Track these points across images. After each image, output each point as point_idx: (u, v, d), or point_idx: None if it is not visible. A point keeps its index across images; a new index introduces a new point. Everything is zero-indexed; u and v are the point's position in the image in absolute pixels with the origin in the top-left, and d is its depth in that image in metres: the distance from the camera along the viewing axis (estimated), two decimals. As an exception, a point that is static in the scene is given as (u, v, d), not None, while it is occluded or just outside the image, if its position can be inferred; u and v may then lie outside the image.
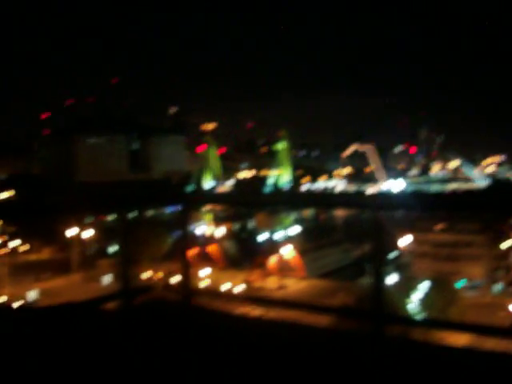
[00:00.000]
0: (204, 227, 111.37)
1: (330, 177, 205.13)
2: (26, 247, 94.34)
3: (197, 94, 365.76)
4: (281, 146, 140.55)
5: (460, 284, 67.18)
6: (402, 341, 5.91)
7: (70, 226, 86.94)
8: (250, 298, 17.08)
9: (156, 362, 5.39)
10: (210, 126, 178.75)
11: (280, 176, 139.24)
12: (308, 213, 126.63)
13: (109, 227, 77.41)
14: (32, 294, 69.15)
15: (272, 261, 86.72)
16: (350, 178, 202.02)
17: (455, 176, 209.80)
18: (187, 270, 6.58)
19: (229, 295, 19.81)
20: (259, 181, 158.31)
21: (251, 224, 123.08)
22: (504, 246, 79.00)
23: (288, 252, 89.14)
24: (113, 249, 79.88)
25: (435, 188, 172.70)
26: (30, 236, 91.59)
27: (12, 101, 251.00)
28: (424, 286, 58.77)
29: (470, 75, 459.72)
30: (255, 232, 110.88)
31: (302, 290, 75.53)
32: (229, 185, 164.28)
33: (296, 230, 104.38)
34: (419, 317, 48.00)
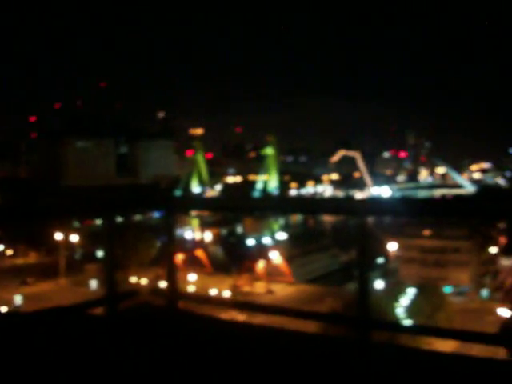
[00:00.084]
0: (192, 232, 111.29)
1: (318, 182, 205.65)
2: (12, 251, 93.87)
3: (185, 99, 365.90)
4: (269, 151, 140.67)
5: (447, 290, 67.42)
6: (388, 347, 5.89)
7: (57, 230, 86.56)
8: (237, 303, 17.03)
9: (142, 366, 5.36)
10: (198, 131, 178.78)
11: (268, 181, 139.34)
12: (296, 218, 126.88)
13: (96, 232, 77.20)
14: (18, 299, 68.70)
15: (260, 266, 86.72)
16: (338, 184, 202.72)
17: (443, 182, 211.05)
18: (173, 275, 6.54)
19: (216, 300, 19.84)
20: (248, 186, 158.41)
21: (239, 229, 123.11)
22: (491, 251, 79.46)
23: (276, 257, 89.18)
24: (100, 253, 79.63)
25: (423, 194, 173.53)
26: (16, 240, 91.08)
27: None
28: (411, 292, 58.93)
29: (457, 84, 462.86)
30: (243, 237, 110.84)
31: (290, 295, 75.55)
32: (217, 189, 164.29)
33: (284, 235, 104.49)
34: (406, 323, 48.03)
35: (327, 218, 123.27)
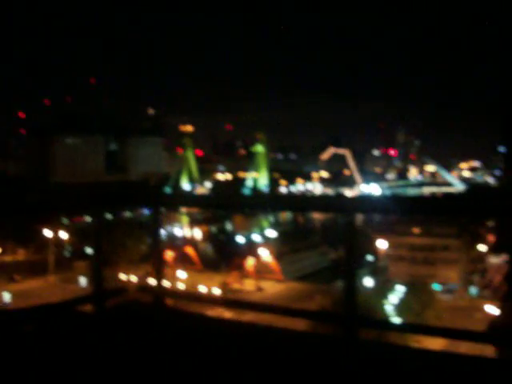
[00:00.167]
0: (182, 229, 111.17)
1: (308, 180, 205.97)
2: (0, 249, 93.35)
3: (176, 96, 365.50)
4: (259, 148, 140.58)
5: (436, 287, 67.63)
6: (376, 344, 5.89)
7: (46, 227, 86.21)
8: (225, 300, 17.02)
9: (129, 363, 5.33)
10: (188, 128, 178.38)
11: (258, 178, 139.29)
12: (285, 216, 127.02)
13: (85, 229, 76.89)
14: (7, 296, 68.38)
15: (249, 263, 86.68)
16: (327, 182, 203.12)
17: (433, 180, 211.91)
18: (161, 272, 6.51)
19: (204, 297, 19.79)
20: (237, 183, 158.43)
21: (229, 226, 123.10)
22: (480, 249, 79.79)
23: (265, 254, 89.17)
24: (90, 250, 79.29)
25: (413, 192, 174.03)
26: (5, 237, 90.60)
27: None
28: (401, 290, 59.06)
29: (447, 82, 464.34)
30: (233, 234, 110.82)
31: (280, 293, 75.62)
32: (207, 187, 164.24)
33: (273, 232, 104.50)
34: (395, 320, 48.14)
35: (317, 216, 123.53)
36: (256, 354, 5.47)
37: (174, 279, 72.62)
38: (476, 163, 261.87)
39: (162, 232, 7.22)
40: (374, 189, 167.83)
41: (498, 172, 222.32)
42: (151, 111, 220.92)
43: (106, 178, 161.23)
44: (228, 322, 7.45)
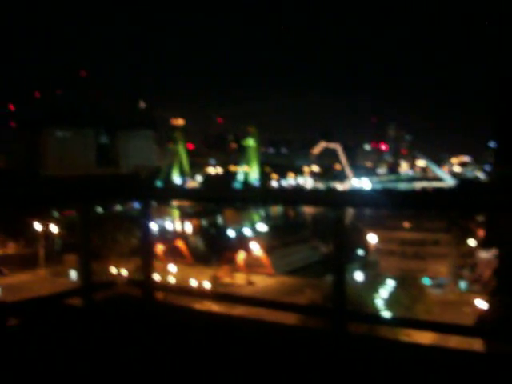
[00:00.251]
0: (172, 222, 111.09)
1: (299, 174, 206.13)
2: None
3: (167, 89, 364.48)
4: (250, 142, 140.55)
5: (426, 281, 67.92)
6: (366, 338, 5.89)
7: (36, 220, 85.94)
8: (215, 294, 17.00)
9: (116, 356, 5.31)
10: (179, 121, 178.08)
11: (249, 172, 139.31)
12: (276, 210, 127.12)
13: (76, 222, 76.70)
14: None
15: (240, 257, 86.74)
16: (319, 176, 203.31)
17: (424, 175, 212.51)
18: (150, 266, 6.49)
19: (193, 291, 19.76)
20: (229, 177, 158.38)
21: (220, 220, 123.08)
22: (470, 244, 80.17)
23: (256, 248, 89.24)
24: (78, 243, 78.96)
25: (404, 186, 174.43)
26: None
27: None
28: (391, 284, 59.28)
29: (438, 78, 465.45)
30: (224, 228, 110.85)
31: (270, 287, 75.67)
32: (198, 180, 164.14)
33: (264, 226, 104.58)
34: (385, 314, 48.34)
35: (307, 210, 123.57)
36: (246, 348, 5.46)
37: (164, 273, 72.53)
38: (466, 158, 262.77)
39: (153, 225, 7.19)
40: (364, 183, 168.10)
41: (488, 167, 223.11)
42: (142, 104, 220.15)
43: (97, 171, 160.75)
44: (218, 315, 7.43)
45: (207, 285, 72.96)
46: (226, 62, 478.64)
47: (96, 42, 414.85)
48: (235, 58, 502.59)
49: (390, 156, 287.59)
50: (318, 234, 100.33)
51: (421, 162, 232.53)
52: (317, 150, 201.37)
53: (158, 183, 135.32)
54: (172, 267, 77.66)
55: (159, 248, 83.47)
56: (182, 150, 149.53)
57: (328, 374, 4.87)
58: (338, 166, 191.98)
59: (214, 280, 76.10)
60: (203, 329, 6.01)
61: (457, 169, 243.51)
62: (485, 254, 76.94)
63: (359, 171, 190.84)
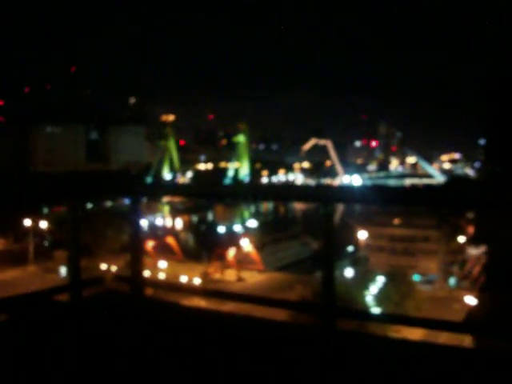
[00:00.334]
0: (162, 218, 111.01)
1: (289, 170, 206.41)
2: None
3: (158, 85, 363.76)
4: (240, 138, 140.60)
5: (416, 278, 68.17)
6: (355, 334, 5.89)
7: (25, 216, 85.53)
8: (205, 290, 17.01)
9: (104, 352, 5.29)
10: (170, 117, 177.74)
11: (239, 168, 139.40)
12: (267, 206, 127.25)
13: (66, 218, 76.37)
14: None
15: (230, 253, 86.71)
16: (309, 172, 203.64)
17: (414, 171, 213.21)
18: (139, 262, 6.46)
19: (183, 287, 19.72)
20: (219, 173, 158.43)
21: (210, 216, 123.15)
22: (459, 240, 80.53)
23: (246, 244, 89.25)
24: (67, 239, 78.73)
25: (394, 183, 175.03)
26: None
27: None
28: (381, 280, 59.46)
29: (429, 75, 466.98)
30: (214, 224, 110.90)
31: (261, 283, 75.70)
32: (188, 176, 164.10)
33: (254, 222, 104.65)
34: (375, 310, 48.51)
35: (298, 206, 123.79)
36: (236, 344, 5.46)
37: (154, 269, 72.45)
38: (457, 155, 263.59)
39: (143, 222, 7.17)
40: (355, 180, 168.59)
41: (477, 164, 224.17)
42: (133, 100, 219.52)
43: (87, 167, 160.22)
44: (207, 311, 7.43)
45: (197, 281, 72.91)
46: (218, 59, 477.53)
47: (86, 38, 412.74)
48: (226, 55, 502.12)
49: (380, 153, 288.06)
50: (308, 230, 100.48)
51: (411, 159, 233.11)
52: (307, 146, 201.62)
53: (149, 179, 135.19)
54: (162, 263, 77.58)
55: (149, 244, 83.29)
56: (172, 146, 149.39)
57: (317, 370, 4.87)
58: (328, 163, 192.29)
59: (205, 276, 76.06)
60: (193, 325, 6.00)
61: (447, 166, 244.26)
62: (474, 251, 77.40)
63: (349, 168, 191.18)
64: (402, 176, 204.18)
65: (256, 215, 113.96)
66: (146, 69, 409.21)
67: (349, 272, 69.31)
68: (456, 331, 5.74)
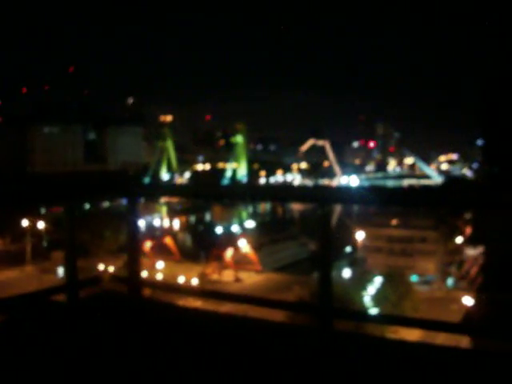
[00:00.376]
0: (160, 219, 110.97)
1: (287, 171, 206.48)
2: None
3: (155, 85, 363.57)
4: (238, 139, 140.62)
5: (413, 279, 68.22)
6: (352, 335, 5.89)
7: (23, 217, 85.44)
8: (203, 291, 17.01)
9: (101, 353, 5.28)
10: (168, 118, 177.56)
11: (237, 169, 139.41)
12: (264, 206, 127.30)
13: (63, 218, 76.29)
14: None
15: (228, 254, 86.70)
16: (307, 173, 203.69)
17: (412, 172, 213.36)
18: (137, 262, 6.46)
19: (180, 288, 19.71)
20: (217, 173, 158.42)
21: (208, 217, 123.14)
22: (457, 241, 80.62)
23: (244, 245, 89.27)
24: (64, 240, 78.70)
25: (392, 184, 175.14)
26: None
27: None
28: (378, 281, 59.47)
29: (427, 75, 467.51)
30: (212, 225, 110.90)
31: (258, 284, 75.75)
32: (186, 177, 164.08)
33: (252, 223, 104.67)
34: (372, 311, 48.49)
35: (296, 207, 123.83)
36: (233, 345, 5.45)
37: (152, 270, 72.44)
38: (454, 156, 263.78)
39: (141, 222, 7.17)
40: (353, 180, 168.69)
41: (475, 165, 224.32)
42: (131, 100, 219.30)
43: (85, 168, 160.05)
44: (205, 312, 7.42)
45: (195, 281, 72.90)
46: (216, 59, 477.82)
47: (85, 38, 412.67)
48: (225, 56, 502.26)
49: (378, 153, 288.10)
50: (306, 231, 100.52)
51: (409, 160, 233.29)
52: (305, 147, 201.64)
53: (146, 180, 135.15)
54: (160, 264, 77.57)
55: (147, 245, 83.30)
56: (170, 146, 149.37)
57: (314, 371, 4.86)
58: (326, 163, 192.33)
59: (202, 277, 76.05)
60: (190, 326, 5.99)
61: (444, 166, 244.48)
62: (472, 252, 77.47)
63: (347, 168, 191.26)
64: (400, 177, 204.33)
65: (254, 216, 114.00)
66: (144, 69, 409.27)
67: (346, 273, 69.34)
68: (454, 332, 5.74)
